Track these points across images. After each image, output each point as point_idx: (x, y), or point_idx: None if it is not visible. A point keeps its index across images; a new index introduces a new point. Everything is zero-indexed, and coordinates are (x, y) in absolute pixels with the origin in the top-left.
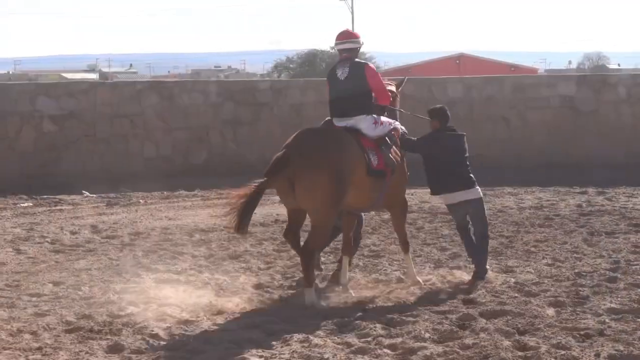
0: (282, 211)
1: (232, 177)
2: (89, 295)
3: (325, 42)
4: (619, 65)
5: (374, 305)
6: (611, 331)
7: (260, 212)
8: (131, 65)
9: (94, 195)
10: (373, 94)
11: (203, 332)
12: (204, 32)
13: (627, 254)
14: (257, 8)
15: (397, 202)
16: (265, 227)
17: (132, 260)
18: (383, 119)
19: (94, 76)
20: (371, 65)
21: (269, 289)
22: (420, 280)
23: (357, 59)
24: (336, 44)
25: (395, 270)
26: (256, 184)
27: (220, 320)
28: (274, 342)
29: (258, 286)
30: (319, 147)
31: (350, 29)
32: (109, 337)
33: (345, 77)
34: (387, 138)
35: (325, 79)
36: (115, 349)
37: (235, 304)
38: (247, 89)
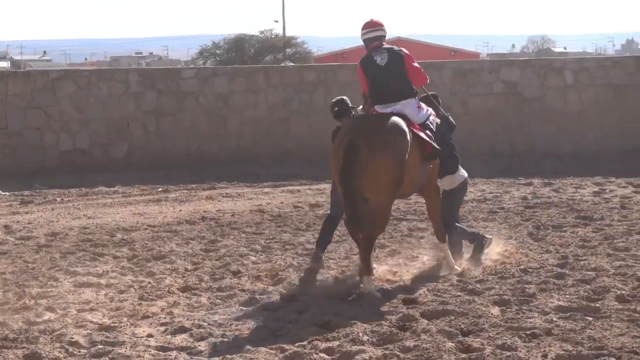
0: (209, 208)
1: (155, 171)
2: (2, 301)
3: (254, 26)
4: (564, 48)
5: (310, 307)
6: (559, 330)
7: (186, 210)
8: (45, 52)
9: (7, 193)
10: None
11: (127, 339)
12: (124, 16)
13: (575, 248)
14: None
15: (432, 186)
16: (192, 225)
17: (49, 262)
18: (422, 104)
19: (4, 65)
20: (406, 51)
21: (196, 291)
22: (459, 268)
23: (392, 46)
24: (366, 33)
25: (332, 270)
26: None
27: (145, 325)
28: (202, 349)
29: (185, 288)
30: (382, 132)
31: (374, 17)
32: (25, 345)
33: (385, 63)
34: (428, 122)
35: (359, 66)
36: (32, 358)
37: (160, 307)
38: (171, 77)
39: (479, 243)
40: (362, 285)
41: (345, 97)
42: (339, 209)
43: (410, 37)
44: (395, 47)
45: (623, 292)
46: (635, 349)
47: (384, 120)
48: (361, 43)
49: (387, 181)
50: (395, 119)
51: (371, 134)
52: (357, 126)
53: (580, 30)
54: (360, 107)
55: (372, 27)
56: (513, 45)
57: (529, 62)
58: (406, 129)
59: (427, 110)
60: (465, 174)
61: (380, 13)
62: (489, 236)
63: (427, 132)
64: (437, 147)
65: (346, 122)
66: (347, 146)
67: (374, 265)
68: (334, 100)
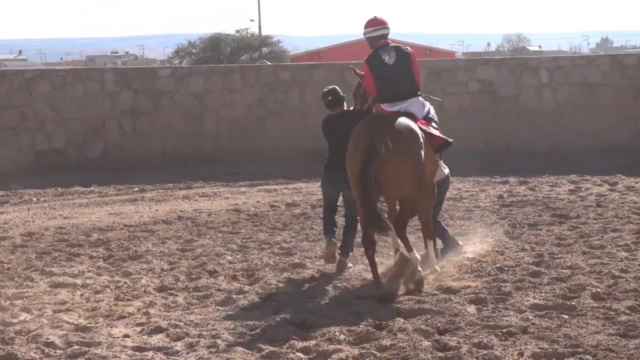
0: (185, 207)
1: (131, 171)
2: None
3: (230, 25)
4: (540, 47)
5: (286, 307)
6: (535, 328)
7: (162, 209)
8: (20, 51)
9: None
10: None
11: (103, 339)
12: (99, 15)
13: (551, 246)
14: None
15: (430, 181)
16: (168, 225)
17: (24, 263)
18: (424, 101)
19: None
20: (411, 49)
21: (173, 291)
22: (438, 268)
23: (399, 45)
24: (370, 31)
25: (308, 269)
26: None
27: (121, 326)
28: (179, 349)
29: (161, 288)
30: (397, 131)
31: (377, 15)
32: (0, 346)
33: (394, 61)
34: (431, 116)
35: (365, 65)
36: (7, 359)
37: (137, 308)
38: (146, 77)
39: (451, 248)
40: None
41: (337, 87)
42: (333, 206)
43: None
44: (402, 46)
45: (598, 290)
46: (610, 346)
47: (395, 120)
48: (337, 42)
49: (411, 177)
50: (404, 118)
51: (388, 134)
52: (373, 127)
53: (556, 29)
54: (352, 107)
55: (378, 25)
56: (488, 44)
57: (504, 61)
58: (416, 126)
59: (428, 105)
60: (447, 170)
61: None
62: (461, 243)
63: (433, 124)
64: (449, 139)
65: (359, 124)
66: (366, 149)
67: (350, 265)
68: (326, 89)
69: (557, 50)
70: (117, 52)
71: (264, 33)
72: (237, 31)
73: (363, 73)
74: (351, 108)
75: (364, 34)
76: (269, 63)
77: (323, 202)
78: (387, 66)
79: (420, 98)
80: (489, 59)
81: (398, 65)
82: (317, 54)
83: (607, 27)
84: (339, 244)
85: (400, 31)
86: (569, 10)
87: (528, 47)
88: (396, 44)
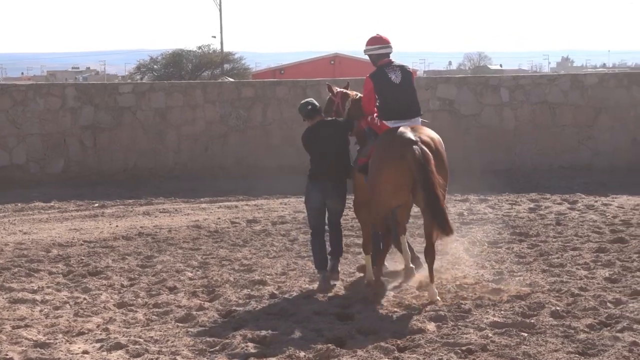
0: (145, 223)
1: (92, 187)
2: None
3: (192, 41)
4: (500, 65)
5: (246, 323)
6: (494, 346)
7: (122, 225)
8: None
9: None
10: None
11: (62, 356)
12: (60, 30)
13: (511, 264)
14: (117, 3)
15: None
16: (128, 241)
17: None
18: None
19: None
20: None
21: (132, 307)
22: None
23: (402, 64)
24: (374, 49)
25: (269, 286)
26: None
27: (80, 342)
28: None
29: (121, 304)
30: (427, 134)
31: (380, 33)
32: None
33: (400, 80)
34: None
35: (369, 80)
36: None
37: (96, 324)
38: (108, 92)
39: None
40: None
41: (313, 99)
42: (320, 219)
43: (348, 53)
44: (404, 65)
45: (558, 308)
46: None
47: (423, 129)
48: (298, 59)
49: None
50: (426, 128)
51: (422, 138)
52: (406, 138)
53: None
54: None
55: (382, 43)
56: (450, 62)
57: (465, 79)
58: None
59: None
60: None
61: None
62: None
63: None
64: None
65: (388, 136)
66: (415, 157)
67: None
68: (303, 101)
69: (518, 69)
70: (78, 68)
71: (225, 49)
72: (199, 47)
73: (338, 90)
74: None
75: (367, 50)
76: (231, 79)
77: (309, 219)
78: (394, 85)
79: (419, 118)
80: (450, 77)
81: (404, 84)
82: (279, 70)
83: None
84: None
85: (358, 49)
86: (530, 30)
87: (489, 66)
88: (399, 63)
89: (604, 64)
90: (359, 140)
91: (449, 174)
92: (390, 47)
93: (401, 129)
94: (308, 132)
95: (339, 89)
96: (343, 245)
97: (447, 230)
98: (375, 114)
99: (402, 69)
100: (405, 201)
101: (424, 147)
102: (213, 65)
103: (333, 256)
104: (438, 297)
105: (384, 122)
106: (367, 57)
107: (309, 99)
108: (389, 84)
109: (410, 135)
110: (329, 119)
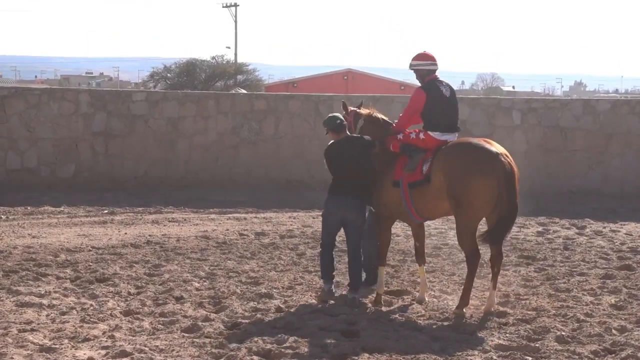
0: (154, 232)
1: (102, 193)
2: None
3: (206, 51)
4: (513, 87)
5: (252, 336)
6: None
7: (131, 233)
8: None
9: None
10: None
11: None
12: (74, 34)
13: (517, 287)
14: (131, 10)
15: None
16: (136, 249)
17: None
18: None
19: None
20: None
21: (139, 315)
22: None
23: (446, 81)
24: (422, 64)
25: (275, 299)
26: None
27: (86, 348)
28: None
29: (127, 312)
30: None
31: (428, 51)
32: None
33: (449, 95)
34: None
35: (422, 91)
36: None
37: (102, 330)
38: (121, 100)
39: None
40: None
41: (340, 114)
42: (332, 234)
43: (361, 69)
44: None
45: (563, 333)
46: None
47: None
48: (311, 73)
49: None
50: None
51: (503, 151)
52: (492, 151)
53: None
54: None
55: (430, 60)
56: (462, 82)
57: (477, 100)
58: None
59: None
60: None
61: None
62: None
63: None
64: None
65: (459, 155)
66: (505, 170)
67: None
68: (330, 115)
69: (531, 92)
70: (91, 73)
71: (239, 60)
72: (213, 57)
73: (351, 109)
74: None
75: (414, 65)
76: (244, 91)
77: (323, 233)
78: (445, 97)
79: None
80: (462, 98)
81: (452, 98)
82: (292, 84)
83: (581, 70)
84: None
85: (373, 65)
86: (543, 52)
87: (502, 87)
88: (446, 81)
89: (617, 90)
90: (380, 158)
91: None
92: (435, 64)
93: (475, 141)
94: (333, 147)
95: (352, 108)
96: (361, 274)
97: (501, 239)
98: (413, 130)
99: (449, 85)
100: (486, 215)
101: (509, 159)
102: (226, 76)
103: (352, 288)
104: (495, 306)
105: (431, 133)
106: (380, 74)
107: (336, 113)
108: (442, 97)
109: (493, 148)
110: (354, 135)
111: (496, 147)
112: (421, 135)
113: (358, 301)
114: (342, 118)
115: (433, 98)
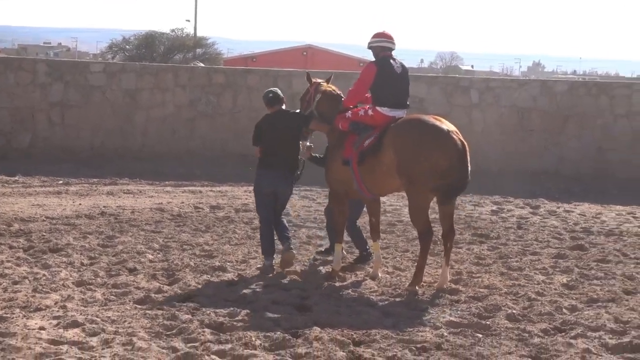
0: (109, 203)
1: (58, 164)
2: None
3: (166, 24)
4: (472, 66)
5: (204, 309)
6: (449, 345)
7: (86, 204)
8: None
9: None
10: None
11: (18, 330)
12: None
13: (470, 265)
14: None
15: None
16: (91, 220)
17: None
18: None
19: None
20: None
21: (91, 286)
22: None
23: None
24: (379, 41)
25: (229, 273)
26: None
27: (37, 318)
28: (94, 344)
29: (80, 283)
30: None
31: (386, 30)
32: None
33: (400, 72)
34: None
35: (374, 66)
36: None
37: (54, 301)
38: (79, 70)
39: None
40: None
41: (277, 89)
42: (270, 208)
43: (320, 45)
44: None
45: (514, 311)
46: None
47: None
48: (271, 48)
49: None
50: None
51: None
52: (445, 129)
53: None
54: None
55: (387, 38)
56: (422, 60)
57: (436, 78)
58: None
59: None
60: None
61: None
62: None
63: None
64: None
65: (410, 132)
66: (461, 146)
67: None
68: (268, 89)
69: (489, 71)
70: (49, 43)
71: (199, 34)
72: (173, 30)
73: (316, 81)
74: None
75: (372, 42)
76: (202, 64)
77: (259, 208)
78: (395, 74)
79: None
80: (421, 76)
81: (403, 75)
82: (251, 58)
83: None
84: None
85: (333, 41)
86: (503, 33)
87: (461, 66)
88: (399, 59)
89: (575, 71)
90: (331, 136)
91: None
92: (394, 44)
93: (425, 118)
94: (265, 119)
95: (318, 80)
96: (288, 231)
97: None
98: (362, 107)
99: (401, 63)
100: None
101: (459, 136)
102: (185, 49)
103: (285, 239)
104: (448, 283)
105: (379, 108)
106: (339, 50)
107: (274, 88)
108: (392, 73)
109: (443, 125)
110: (289, 110)
111: (446, 125)
112: (370, 112)
113: (291, 248)
114: (277, 92)
115: (383, 73)
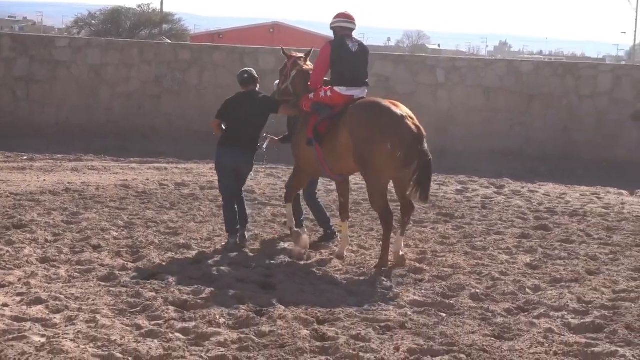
0: (73, 179)
1: (22, 139)
2: None
3: (132, 0)
4: (439, 45)
5: (168, 287)
6: (413, 324)
7: (50, 180)
8: None
9: None
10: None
11: None
12: None
13: (434, 244)
14: None
15: None
16: (55, 196)
17: None
18: None
19: None
20: None
21: (55, 263)
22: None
23: (360, 39)
24: (340, 21)
25: (193, 250)
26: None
27: (0, 295)
28: (58, 321)
29: (44, 260)
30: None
31: (347, 11)
32: None
33: (356, 50)
34: None
35: (328, 47)
36: None
37: (17, 277)
38: (44, 45)
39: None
40: None
41: (253, 70)
42: (231, 185)
43: (287, 22)
44: (362, 41)
45: (477, 290)
46: (485, 347)
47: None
48: (238, 25)
49: None
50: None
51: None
52: (399, 114)
53: (456, 29)
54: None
55: (348, 18)
56: (389, 39)
57: (402, 57)
58: None
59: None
60: None
61: None
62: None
63: None
64: None
65: (364, 115)
66: (416, 131)
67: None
68: (244, 69)
69: (456, 51)
70: (15, 17)
71: (165, 10)
72: (139, 6)
73: (294, 55)
74: (276, 82)
75: (333, 23)
76: (169, 41)
77: (221, 186)
78: (351, 52)
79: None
80: (387, 55)
81: (359, 54)
82: (218, 35)
83: (506, 31)
84: (304, 231)
85: (300, 18)
86: (470, 12)
87: (427, 45)
88: (358, 38)
89: (541, 52)
90: (292, 118)
91: None
92: (354, 24)
93: (381, 102)
94: (236, 97)
95: (298, 55)
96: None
97: (428, 197)
98: (322, 88)
99: (360, 42)
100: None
101: (414, 121)
102: (151, 25)
103: (241, 225)
104: (408, 261)
105: (336, 88)
106: (306, 28)
107: (249, 68)
108: (347, 52)
109: (398, 110)
110: (262, 92)
111: (402, 110)
112: (328, 92)
113: (245, 238)
114: (252, 73)
115: (338, 52)
